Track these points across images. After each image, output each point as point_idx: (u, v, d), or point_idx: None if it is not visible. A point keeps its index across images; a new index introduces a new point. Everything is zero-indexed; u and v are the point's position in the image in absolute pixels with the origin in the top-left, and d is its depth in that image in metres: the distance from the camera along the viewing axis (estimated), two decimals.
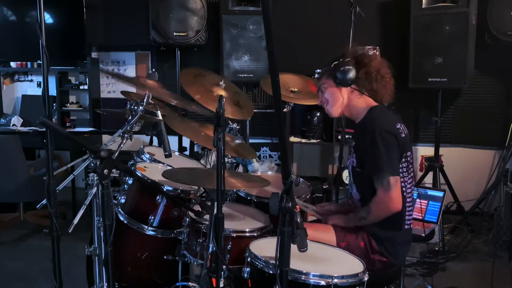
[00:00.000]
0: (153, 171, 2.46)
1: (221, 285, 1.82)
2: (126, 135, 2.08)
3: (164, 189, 2.30)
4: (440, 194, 3.01)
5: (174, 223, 2.32)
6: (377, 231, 2.03)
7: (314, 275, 1.60)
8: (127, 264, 2.31)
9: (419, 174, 4.60)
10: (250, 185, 2.35)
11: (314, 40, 4.51)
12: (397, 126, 2.02)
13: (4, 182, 3.83)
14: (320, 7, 4.61)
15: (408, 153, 2.04)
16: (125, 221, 2.31)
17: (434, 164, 4.24)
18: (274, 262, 1.48)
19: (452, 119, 4.57)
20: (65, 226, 2.00)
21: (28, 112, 5.15)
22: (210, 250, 1.88)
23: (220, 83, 2.08)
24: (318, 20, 4.59)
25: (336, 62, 2.05)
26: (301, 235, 1.38)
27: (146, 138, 4.80)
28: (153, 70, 2.12)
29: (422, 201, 3.00)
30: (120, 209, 2.34)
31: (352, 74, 2.03)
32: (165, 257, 2.26)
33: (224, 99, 1.82)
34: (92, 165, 1.84)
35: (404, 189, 2.02)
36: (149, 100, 2.12)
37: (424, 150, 4.66)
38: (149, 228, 2.29)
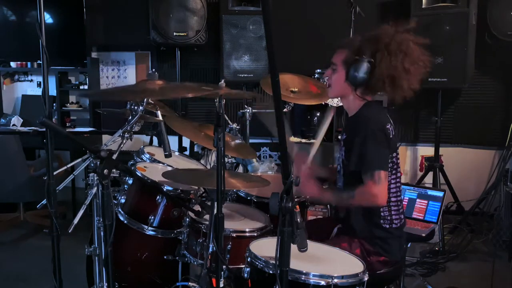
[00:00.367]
0: (153, 171, 2.45)
1: (221, 285, 1.82)
2: (126, 135, 2.08)
3: (164, 189, 2.30)
4: (440, 194, 3.00)
5: (174, 223, 2.32)
6: (367, 234, 2.03)
7: (314, 275, 1.59)
8: (127, 264, 2.30)
9: (419, 174, 4.60)
10: (250, 185, 2.35)
11: (314, 40, 4.51)
12: (387, 126, 2.01)
13: (4, 182, 3.83)
14: (320, 7, 4.61)
15: (394, 154, 2.04)
16: (125, 221, 2.31)
17: (434, 164, 4.24)
18: (274, 262, 1.48)
19: (452, 119, 4.57)
20: (65, 226, 2.01)
21: (28, 112, 5.15)
22: (210, 250, 1.88)
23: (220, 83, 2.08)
24: (318, 20, 4.59)
25: (357, 59, 1.99)
26: (301, 235, 1.38)
27: (146, 138, 4.80)
28: (153, 70, 2.12)
29: (422, 201, 3.00)
30: (120, 209, 2.34)
31: (364, 79, 1.99)
32: (165, 257, 2.26)
33: (223, 99, 1.82)
34: (92, 165, 1.84)
35: (388, 188, 2.02)
36: (149, 100, 2.12)
37: (424, 150, 4.66)
38: (149, 228, 2.29)
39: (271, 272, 1.64)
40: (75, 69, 5.20)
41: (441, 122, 4.27)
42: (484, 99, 4.47)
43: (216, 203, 1.79)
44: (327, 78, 2.17)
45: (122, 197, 2.39)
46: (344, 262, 1.78)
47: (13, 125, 4.83)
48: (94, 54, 5.24)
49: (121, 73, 5.28)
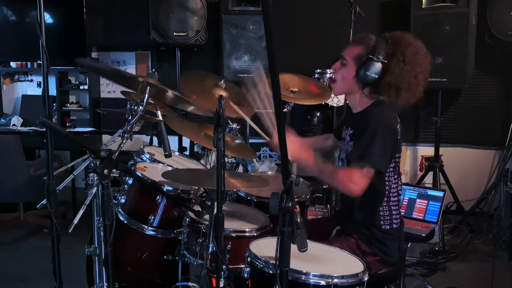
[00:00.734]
0: (153, 171, 2.45)
1: (221, 285, 1.82)
2: (126, 135, 2.07)
3: (164, 189, 2.30)
4: (440, 194, 3.00)
5: (174, 223, 2.32)
6: (364, 234, 2.03)
7: (314, 275, 1.59)
8: (127, 264, 2.30)
9: (419, 174, 4.60)
10: (250, 185, 2.35)
11: (314, 40, 4.51)
12: (397, 127, 2.01)
13: (4, 182, 3.83)
14: (320, 7, 4.61)
15: (397, 155, 2.04)
16: (125, 221, 2.31)
17: (434, 164, 4.24)
18: (274, 262, 1.48)
19: (452, 119, 4.57)
20: (65, 226, 2.01)
21: (28, 112, 5.15)
22: (210, 250, 1.88)
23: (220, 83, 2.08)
24: (318, 20, 4.59)
25: (371, 57, 1.96)
26: (301, 235, 1.38)
27: (146, 138, 4.80)
28: (153, 70, 2.12)
29: (422, 201, 3.00)
30: (120, 209, 2.34)
31: (374, 79, 1.97)
32: (165, 257, 2.26)
33: (224, 99, 1.82)
34: (92, 165, 1.84)
35: (388, 187, 2.03)
36: (149, 100, 2.12)
37: (424, 150, 4.66)
38: (149, 228, 2.29)
39: (271, 272, 1.64)
40: (75, 69, 5.20)
41: (441, 122, 4.27)
42: (484, 99, 4.48)
43: (216, 203, 1.79)
44: (333, 71, 2.12)
45: (122, 197, 2.39)
46: (344, 262, 1.78)
47: (13, 125, 4.83)
48: (94, 54, 5.24)
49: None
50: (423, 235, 2.74)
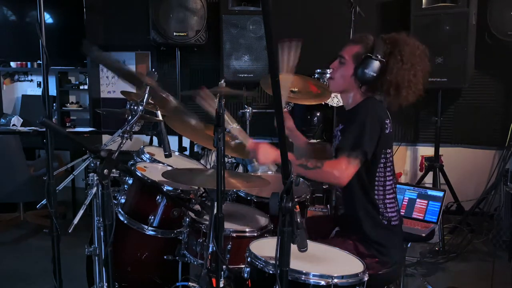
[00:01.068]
0: (153, 171, 2.46)
1: (221, 285, 1.82)
2: (126, 135, 2.08)
3: (164, 189, 2.30)
4: (440, 194, 3.00)
5: (174, 223, 2.32)
6: (363, 235, 2.02)
7: (314, 275, 1.59)
8: (127, 264, 2.30)
9: (419, 174, 4.60)
10: (250, 185, 2.35)
11: (314, 40, 4.50)
12: (386, 121, 2.01)
13: (4, 182, 3.83)
14: (320, 7, 4.61)
15: (388, 151, 2.03)
16: (125, 221, 2.31)
17: (434, 164, 4.24)
18: (274, 262, 1.48)
19: (452, 119, 4.57)
20: (65, 226, 2.01)
21: (28, 112, 5.15)
22: (210, 250, 1.88)
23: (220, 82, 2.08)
24: (318, 20, 4.59)
25: (369, 56, 1.98)
26: (301, 235, 1.38)
27: (146, 138, 4.80)
28: (153, 70, 2.12)
29: (422, 201, 3.01)
30: (120, 209, 2.34)
31: (372, 77, 1.98)
32: (165, 257, 2.26)
33: (223, 99, 1.82)
34: (92, 165, 1.84)
35: (382, 184, 2.01)
36: (149, 100, 2.12)
37: (424, 150, 4.66)
38: (149, 228, 2.29)
39: (271, 272, 1.64)
40: (75, 69, 5.20)
41: (441, 122, 4.26)
42: (484, 99, 4.47)
43: (216, 203, 1.79)
44: (331, 70, 2.14)
45: (122, 197, 2.39)
46: (344, 262, 1.78)
47: (13, 125, 4.83)
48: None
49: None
50: (423, 235, 2.74)
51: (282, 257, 1.38)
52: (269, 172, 2.99)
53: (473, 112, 4.51)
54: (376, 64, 1.97)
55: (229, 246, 2.00)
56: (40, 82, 5.37)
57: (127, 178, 2.43)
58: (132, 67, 5.24)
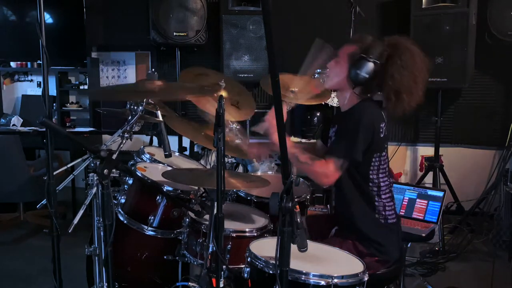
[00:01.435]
0: (153, 171, 2.46)
1: (221, 285, 1.82)
2: (126, 135, 2.08)
3: (164, 189, 2.30)
4: (440, 194, 3.00)
5: (174, 223, 2.32)
6: (362, 234, 2.03)
7: (314, 275, 1.60)
8: (127, 264, 2.30)
9: (419, 174, 4.60)
10: (250, 185, 2.35)
11: (314, 40, 4.50)
12: (381, 125, 2.01)
13: (4, 182, 3.83)
14: (320, 7, 4.61)
15: (383, 154, 2.04)
16: (125, 221, 2.31)
17: (434, 164, 4.24)
18: (274, 262, 1.48)
19: (452, 119, 4.57)
20: (65, 226, 2.01)
21: (28, 112, 5.14)
22: (210, 250, 1.88)
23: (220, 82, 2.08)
24: (318, 20, 4.59)
25: (363, 56, 1.98)
26: (301, 235, 1.38)
27: (146, 138, 4.80)
28: (153, 70, 2.12)
29: (422, 201, 3.01)
30: (120, 209, 2.34)
31: (365, 78, 1.98)
32: (165, 257, 2.26)
33: (224, 99, 1.82)
34: (92, 165, 1.84)
35: (376, 187, 2.02)
36: (149, 100, 2.12)
37: (424, 150, 4.66)
38: (149, 228, 2.29)
39: (271, 272, 1.64)
40: (75, 69, 5.19)
41: (441, 122, 4.26)
42: (484, 99, 4.47)
43: (216, 203, 1.79)
44: (328, 69, 2.15)
45: (122, 197, 2.39)
46: (344, 262, 1.79)
47: (13, 125, 4.83)
48: (94, 54, 5.24)
49: (121, 73, 5.28)
50: (423, 235, 2.74)
51: (282, 257, 1.38)
52: (269, 172, 2.99)
53: (473, 112, 4.51)
54: (369, 66, 1.97)
55: (229, 246, 2.00)
56: (40, 82, 5.37)
57: (127, 178, 2.43)
58: (132, 67, 5.24)
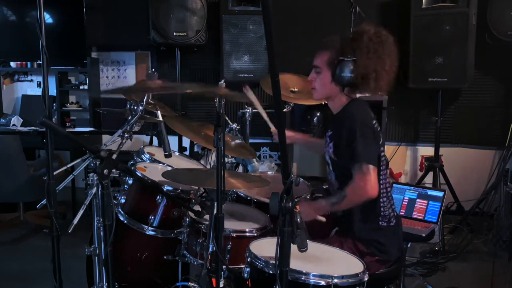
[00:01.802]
0: (153, 171, 2.45)
1: (221, 285, 1.82)
2: (126, 135, 2.08)
3: (164, 189, 2.30)
4: (440, 194, 3.00)
5: (174, 223, 2.32)
6: (361, 234, 2.03)
7: (314, 275, 1.60)
8: (127, 264, 2.30)
9: (419, 174, 4.60)
10: (250, 185, 2.35)
11: (314, 40, 4.51)
12: (373, 122, 2.04)
13: (4, 182, 3.83)
14: (320, 7, 4.61)
15: (381, 148, 2.06)
16: (125, 221, 2.31)
17: (434, 164, 4.24)
18: (274, 262, 1.48)
19: (452, 119, 4.56)
20: (65, 226, 2.01)
21: (28, 112, 5.14)
22: (210, 250, 1.88)
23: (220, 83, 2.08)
24: (318, 20, 4.59)
25: (341, 59, 2.01)
26: (301, 235, 1.38)
27: (146, 138, 4.80)
28: (153, 70, 2.12)
29: (422, 201, 3.01)
30: (120, 209, 2.34)
31: (351, 78, 2.00)
32: (165, 257, 2.26)
33: (223, 100, 1.82)
34: (92, 165, 1.84)
35: (380, 181, 2.03)
36: (149, 100, 2.12)
37: (424, 150, 4.66)
38: (149, 228, 2.29)
39: (271, 272, 1.64)
40: (75, 69, 5.19)
41: (441, 122, 4.26)
42: (484, 99, 4.47)
43: (216, 203, 1.79)
44: (311, 79, 2.18)
45: (122, 197, 2.39)
46: (344, 262, 1.78)
47: (13, 125, 4.83)
48: (94, 54, 5.24)
49: (121, 73, 5.28)
50: (423, 235, 2.74)
51: (282, 257, 1.38)
52: (269, 173, 2.99)
53: (473, 112, 4.51)
54: (350, 65, 2.00)
55: (229, 246, 2.00)
56: (40, 82, 5.37)
57: (127, 178, 2.43)
58: (132, 67, 5.24)
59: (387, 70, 2.01)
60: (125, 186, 2.43)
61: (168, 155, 2.26)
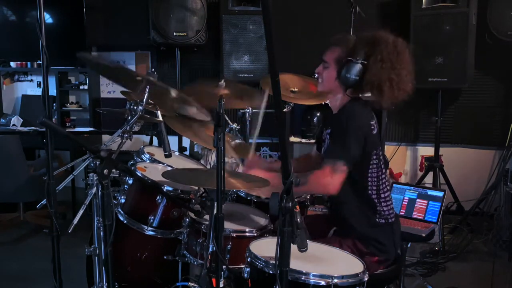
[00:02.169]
0: (153, 171, 2.45)
1: (221, 285, 1.82)
2: (126, 135, 2.07)
3: (164, 189, 2.29)
4: (440, 194, 3.00)
5: (174, 223, 2.32)
6: (361, 232, 2.03)
7: (314, 275, 1.60)
8: (127, 264, 2.30)
9: (419, 174, 4.60)
10: (250, 185, 2.35)
11: (314, 40, 4.51)
12: (371, 122, 2.03)
13: (4, 182, 3.83)
14: (320, 7, 4.61)
15: (377, 151, 2.05)
16: (125, 221, 2.31)
17: (434, 164, 4.24)
18: (274, 262, 1.48)
19: (452, 119, 4.57)
20: (65, 226, 2.01)
21: (28, 112, 5.14)
22: (210, 250, 1.88)
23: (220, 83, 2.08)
24: (318, 20, 4.59)
25: (350, 60, 2.00)
26: (301, 235, 1.38)
27: (146, 138, 4.80)
28: (153, 70, 2.11)
29: (422, 201, 3.01)
30: (120, 209, 2.34)
31: (355, 80, 1.99)
32: (165, 257, 2.26)
33: (224, 99, 1.82)
34: (92, 165, 1.84)
35: (375, 183, 2.03)
36: (149, 100, 2.11)
37: (424, 150, 4.66)
38: (149, 228, 2.29)
39: (271, 272, 1.64)
40: (75, 69, 5.19)
41: (441, 122, 4.26)
42: (484, 99, 4.47)
43: (216, 203, 1.79)
44: (318, 72, 2.18)
45: (122, 197, 2.39)
46: (344, 262, 1.78)
47: (13, 125, 4.83)
48: (94, 54, 5.24)
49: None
50: (423, 235, 2.74)
51: (282, 257, 1.38)
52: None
53: (473, 112, 4.51)
54: (357, 67, 1.99)
55: (229, 246, 2.00)
56: (40, 82, 5.37)
57: (127, 178, 2.43)
58: (132, 67, 5.24)
59: (403, 79, 1.99)
60: (125, 186, 2.43)
61: (168, 155, 2.25)
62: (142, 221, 2.29)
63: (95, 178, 1.93)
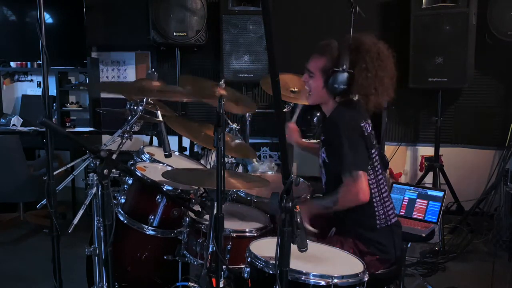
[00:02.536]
0: (153, 171, 2.46)
1: (221, 285, 1.82)
2: (126, 135, 2.08)
3: (164, 189, 2.30)
4: (440, 194, 3.00)
5: (174, 223, 2.32)
6: (361, 233, 2.03)
7: (314, 275, 1.60)
8: (127, 264, 2.30)
9: (419, 174, 4.60)
10: (250, 185, 2.35)
11: (314, 40, 4.48)
12: (361, 124, 2.04)
13: (4, 182, 3.83)
14: (320, 7, 4.61)
15: (373, 150, 2.06)
16: (125, 221, 2.31)
17: (434, 164, 4.24)
18: (274, 262, 1.48)
19: (452, 119, 4.56)
20: (65, 226, 2.01)
21: (28, 112, 5.14)
22: (210, 250, 1.88)
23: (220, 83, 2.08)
24: (318, 20, 4.59)
25: (336, 70, 2.02)
26: (301, 235, 1.39)
27: (146, 138, 4.80)
28: (153, 70, 2.12)
29: (422, 201, 3.01)
30: (120, 209, 2.34)
31: (343, 89, 2.02)
32: (165, 257, 2.26)
33: (224, 100, 1.82)
34: (92, 165, 1.84)
35: (375, 183, 2.04)
36: (149, 100, 2.12)
37: (424, 150, 4.66)
38: (149, 228, 2.29)
39: (271, 272, 1.64)
40: (75, 69, 5.19)
41: (441, 122, 4.26)
42: (484, 99, 4.47)
43: (216, 203, 1.79)
44: (304, 81, 2.19)
45: (122, 197, 2.39)
46: (344, 262, 1.78)
47: (13, 125, 4.83)
48: (94, 54, 5.24)
49: (121, 73, 5.28)
50: (423, 235, 2.74)
51: (282, 257, 1.38)
52: (269, 172, 2.99)
53: (473, 112, 4.51)
54: (344, 76, 2.01)
55: (229, 246, 2.00)
56: (40, 82, 5.37)
57: (127, 178, 2.43)
58: (132, 67, 5.24)
59: (386, 86, 2.03)
60: (125, 186, 2.43)
61: (168, 155, 2.26)
62: (142, 220, 2.29)
63: (95, 178, 1.93)
